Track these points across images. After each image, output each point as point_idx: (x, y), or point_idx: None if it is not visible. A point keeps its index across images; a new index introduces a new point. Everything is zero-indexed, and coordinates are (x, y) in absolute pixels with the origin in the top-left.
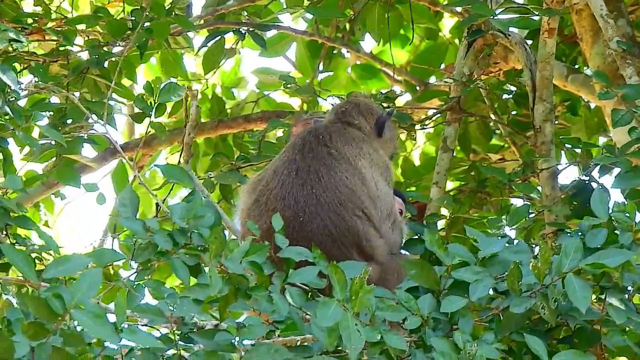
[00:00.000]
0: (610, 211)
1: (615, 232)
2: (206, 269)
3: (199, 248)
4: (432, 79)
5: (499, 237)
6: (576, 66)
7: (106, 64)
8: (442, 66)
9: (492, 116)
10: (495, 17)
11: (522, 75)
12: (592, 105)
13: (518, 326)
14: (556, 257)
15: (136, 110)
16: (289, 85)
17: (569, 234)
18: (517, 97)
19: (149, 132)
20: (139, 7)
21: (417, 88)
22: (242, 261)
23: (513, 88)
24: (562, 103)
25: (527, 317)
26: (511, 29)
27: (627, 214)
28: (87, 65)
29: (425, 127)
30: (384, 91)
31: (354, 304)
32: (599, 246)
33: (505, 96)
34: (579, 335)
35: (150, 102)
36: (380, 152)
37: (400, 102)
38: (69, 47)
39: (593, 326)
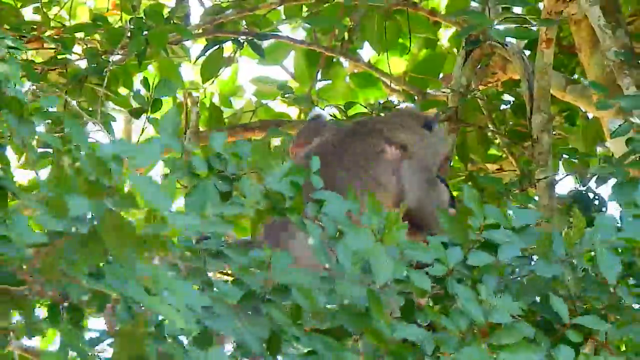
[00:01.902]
0: None
1: None
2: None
3: (233, 176)
4: (430, 89)
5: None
6: (574, 77)
7: (107, 72)
8: (441, 76)
9: (490, 126)
10: (493, 27)
11: (520, 86)
12: (590, 116)
13: (541, 292)
14: (589, 230)
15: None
16: (286, 95)
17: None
18: (515, 108)
19: (145, 127)
20: (137, 16)
21: (415, 98)
22: (282, 180)
23: (511, 98)
24: (560, 113)
25: (551, 287)
26: (509, 39)
27: None
28: (86, 73)
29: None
30: (381, 101)
31: (386, 237)
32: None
33: (503, 107)
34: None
35: (147, 98)
36: (432, 142)
37: None
38: (67, 56)
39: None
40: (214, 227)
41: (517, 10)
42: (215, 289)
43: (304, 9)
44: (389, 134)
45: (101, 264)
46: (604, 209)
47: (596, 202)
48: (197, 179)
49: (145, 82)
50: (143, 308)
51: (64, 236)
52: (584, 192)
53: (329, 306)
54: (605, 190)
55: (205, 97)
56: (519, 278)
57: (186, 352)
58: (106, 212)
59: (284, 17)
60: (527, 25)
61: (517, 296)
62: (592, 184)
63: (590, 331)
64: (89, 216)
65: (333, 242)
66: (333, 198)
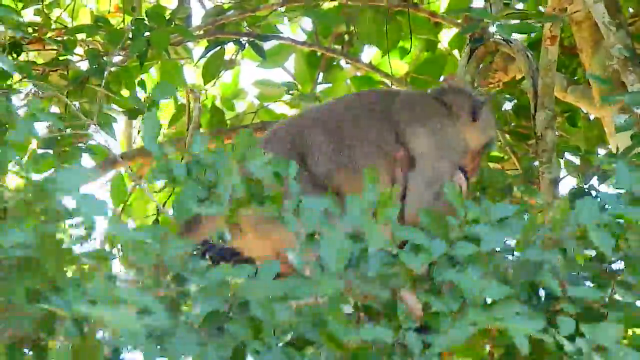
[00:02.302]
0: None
1: None
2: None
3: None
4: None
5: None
6: (576, 78)
7: (106, 74)
8: (442, 78)
9: None
10: (497, 23)
11: (523, 83)
12: (592, 117)
13: (529, 278)
14: (573, 212)
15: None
16: (291, 92)
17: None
18: (517, 108)
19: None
20: (138, 17)
21: None
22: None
23: (513, 99)
24: (561, 114)
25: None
26: (513, 36)
27: None
28: (87, 75)
29: None
30: None
31: (380, 213)
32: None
33: (505, 107)
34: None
35: (145, 99)
36: (461, 137)
37: None
38: (68, 57)
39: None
40: (174, 246)
41: (519, 7)
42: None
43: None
44: (404, 136)
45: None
46: (606, 207)
47: (598, 200)
48: (176, 183)
49: (142, 83)
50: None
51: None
52: (586, 189)
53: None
54: (607, 188)
55: (206, 98)
56: (504, 268)
57: None
58: (43, 236)
59: (285, 15)
60: (529, 21)
61: (505, 282)
62: (594, 181)
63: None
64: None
65: (313, 240)
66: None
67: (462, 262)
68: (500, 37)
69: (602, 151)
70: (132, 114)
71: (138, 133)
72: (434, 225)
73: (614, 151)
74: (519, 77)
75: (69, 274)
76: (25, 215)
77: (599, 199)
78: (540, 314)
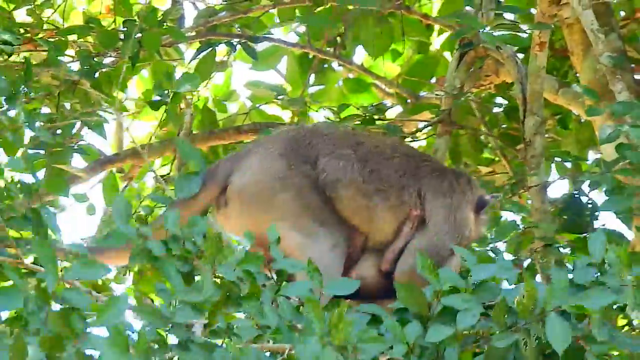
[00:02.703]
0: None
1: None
2: (198, 278)
3: (192, 255)
4: (423, 92)
5: (490, 259)
6: (567, 80)
7: (97, 75)
8: (434, 79)
9: (483, 129)
10: (485, 31)
11: (513, 89)
12: (583, 120)
13: (502, 359)
14: (543, 291)
15: (155, 98)
16: (279, 97)
17: (557, 265)
18: (508, 111)
19: (163, 118)
20: (130, 18)
21: (408, 101)
22: (235, 269)
23: (504, 102)
24: (552, 116)
25: (511, 351)
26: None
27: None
28: (78, 76)
29: (416, 139)
30: (374, 104)
31: (334, 337)
32: (586, 283)
33: (495, 109)
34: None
35: (168, 90)
36: (470, 223)
37: (391, 114)
38: (60, 58)
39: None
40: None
41: (509, 16)
42: None
43: (297, 12)
44: (424, 198)
45: None
46: (596, 214)
47: (589, 206)
48: (156, 261)
49: (167, 75)
50: None
51: None
52: (576, 195)
53: None
54: (597, 195)
55: (198, 100)
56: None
57: None
58: None
59: (277, 19)
60: (518, 32)
61: None
62: (585, 187)
63: None
64: None
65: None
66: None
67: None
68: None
69: (593, 153)
70: (153, 105)
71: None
72: (410, 299)
73: (605, 154)
74: (510, 80)
75: None
76: None
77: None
78: None
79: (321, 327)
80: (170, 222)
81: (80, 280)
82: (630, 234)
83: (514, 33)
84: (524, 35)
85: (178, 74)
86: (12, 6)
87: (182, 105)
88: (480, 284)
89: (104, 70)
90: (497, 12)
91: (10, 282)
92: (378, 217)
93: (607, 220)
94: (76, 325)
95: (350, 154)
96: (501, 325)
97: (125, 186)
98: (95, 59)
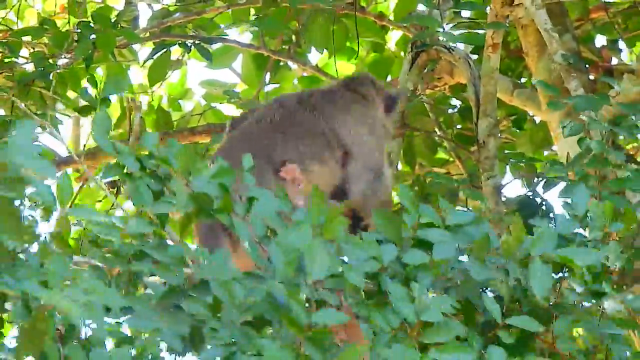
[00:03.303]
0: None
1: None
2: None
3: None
4: None
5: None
6: (522, 81)
7: (51, 76)
8: (389, 79)
9: (437, 130)
10: (444, 31)
11: (467, 90)
12: (538, 120)
13: (474, 293)
14: (528, 239)
15: (82, 103)
16: (232, 100)
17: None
18: (462, 112)
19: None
20: (84, 20)
21: None
22: (210, 182)
23: (458, 102)
24: (507, 117)
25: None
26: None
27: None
28: (33, 77)
29: None
30: None
31: (326, 231)
32: (569, 235)
33: (450, 110)
34: (531, 314)
35: (96, 95)
36: (381, 123)
37: None
38: (14, 59)
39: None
40: (141, 227)
41: (466, 15)
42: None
43: (252, 12)
44: (333, 132)
45: None
46: (550, 214)
47: (543, 207)
48: (130, 178)
49: (92, 80)
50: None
51: None
52: (531, 196)
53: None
54: (552, 195)
55: (153, 100)
56: (453, 278)
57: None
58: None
59: (231, 20)
60: (476, 30)
61: (450, 296)
62: (539, 188)
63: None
64: None
65: (265, 240)
66: (264, 196)
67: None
68: (442, 45)
69: (547, 153)
70: (83, 111)
71: (91, 132)
72: (387, 226)
73: (560, 154)
74: (464, 81)
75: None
76: None
77: (552, 222)
78: (479, 339)
79: (319, 218)
80: (148, 142)
81: None
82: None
83: (472, 31)
84: (481, 32)
85: (132, 74)
86: None
87: (132, 109)
88: (455, 227)
89: (58, 71)
90: (455, 9)
91: None
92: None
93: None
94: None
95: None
96: (481, 260)
97: (81, 187)
98: (49, 60)
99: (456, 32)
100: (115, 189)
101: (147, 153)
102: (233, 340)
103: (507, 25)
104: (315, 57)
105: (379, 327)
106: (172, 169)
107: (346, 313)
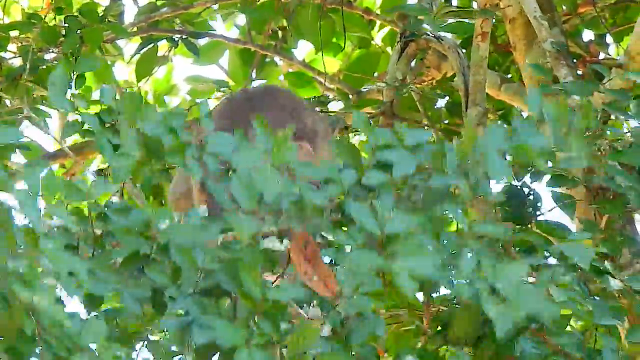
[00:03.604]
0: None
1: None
2: None
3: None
4: (366, 87)
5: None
6: (509, 76)
7: (39, 71)
8: (376, 74)
9: (425, 123)
10: (434, 18)
11: (455, 81)
12: (525, 115)
13: (436, 204)
14: (481, 139)
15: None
16: (222, 89)
17: None
18: (450, 106)
19: None
20: (71, 14)
21: (350, 96)
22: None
23: (446, 96)
24: (495, 112)
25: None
26: (445, 33)
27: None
28: (20, 72)
29: (358, 133)
30: (317, 97)
31: (275, 157)
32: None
33: (438, 104)
34: None
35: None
36: None
37: (334, 106)
38: (1, 54)
39: None
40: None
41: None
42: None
43: (239, 6)
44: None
45: None
46: (539, 204)
47: (531, 197)
48: (90, 135)
49: (66, 61)
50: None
51: None
52: (518, 187)
53: (208, 265)
54: (540, 186)
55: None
56: (414, 197)
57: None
58: None
59: (218, 13)
60: (466, 19)
61: (413, 210)
62: (527, 179)
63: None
64: None
65: (219, 177)
66: (218, 136)
67: (374, 191)
68: (431, 34)
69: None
70: None
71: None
72: (344, 152)
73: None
74: (451, 74)
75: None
76: None
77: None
78: (445, 250)
79: (266, 142)
80: (106, 96)
81: None
82: (572, 226)
83: (462, 20)
84: (471, 21)
85: (119, 70)
86: None
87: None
88: (414, 146)
89: (45, 66)
90: None
91: None
92: None
93: (550, 213)
94: None
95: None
96: (439, 169)
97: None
98: (36, 55)
99: (445, 22)
100: (103, 177)
101: (105, 108)
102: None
103: (496, 14)
104: (301, 52)
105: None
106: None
107: (308, 244)
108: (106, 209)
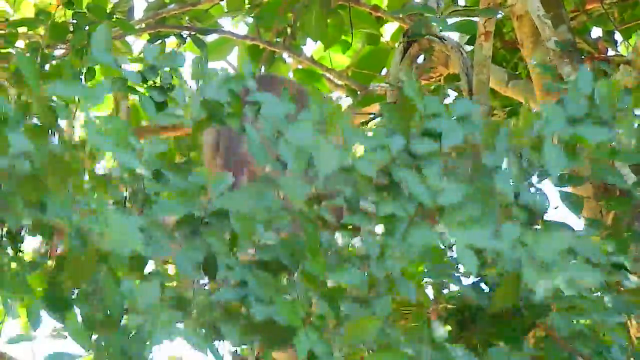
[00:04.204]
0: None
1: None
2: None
3: (168, 85)
4: (373, 84)
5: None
6: (517, 72)
7: (48, 67)
8: (384, 71)
9: None
10: (437, 20)
11: (460, 80)
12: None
13: (486, 180)
14: (538, 122)
15: None
16: None
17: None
18: None
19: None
20: (80, 10)
21: (358, 93)
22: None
23: (454, 93)
24: (502, 109)
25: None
26: (450, 32)
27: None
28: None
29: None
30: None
31: (329, 127)
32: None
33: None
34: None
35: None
36: None
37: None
38: (10, 50)
39: None
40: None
41: (463, 5)
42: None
43: (246, 3)
44: None
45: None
46: (546, 204)
47: (538, 197)
48: (133, 92)
49: (78, 52)
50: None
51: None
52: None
53: (269, 240)
54: (547, 186)
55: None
56: (462, 167)
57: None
58: (50, 155)
59: (226, 11)
60: (470, 18)
61: (462, 181)
62: (534, 179)
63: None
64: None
65: (273, 141)
66: (270, 99)
67: (421, 160)
68: (434, 34)
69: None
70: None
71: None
72: (393, 118)
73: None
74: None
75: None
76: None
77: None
78: (493, 220)
79: (319, 115)
80: (149, 54)
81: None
82: (579, 225)
83: (465, 18)
84: (476, 20)
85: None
86: None
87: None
88: (462, 117)
89: (54, 62)
90: None
91: None
92: None
93: (556, 212)
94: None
95: None
96: (490, 146)
97: None
98: (45, 51)
99: (450, 21)
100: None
101: (148, 65)
102: (246, 282)
103: (501, 13)
104: (310, 49)
105: (395, 218)
106: (177, 78)
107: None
108: (160, 166)
